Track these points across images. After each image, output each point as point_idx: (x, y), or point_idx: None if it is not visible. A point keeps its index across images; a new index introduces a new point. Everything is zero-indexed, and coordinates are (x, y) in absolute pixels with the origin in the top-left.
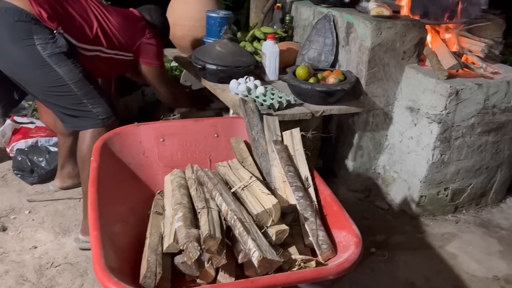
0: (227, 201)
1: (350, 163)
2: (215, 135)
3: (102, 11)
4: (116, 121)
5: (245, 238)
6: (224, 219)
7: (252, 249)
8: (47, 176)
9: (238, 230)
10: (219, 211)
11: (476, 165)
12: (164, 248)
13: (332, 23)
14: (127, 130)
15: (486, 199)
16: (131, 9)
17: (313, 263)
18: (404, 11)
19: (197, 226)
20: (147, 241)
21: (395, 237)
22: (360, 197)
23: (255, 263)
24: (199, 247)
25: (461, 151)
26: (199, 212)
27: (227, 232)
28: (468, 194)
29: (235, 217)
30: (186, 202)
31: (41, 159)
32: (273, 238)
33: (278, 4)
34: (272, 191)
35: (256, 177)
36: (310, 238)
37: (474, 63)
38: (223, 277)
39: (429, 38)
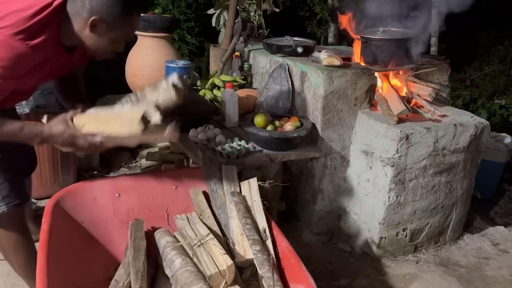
0: None
1: (312, 206)
2: (174, 186)
3: None
4: (21, 208)
5: None
6: None
7: None
8: None
9: None
10: None
11: (432, 205)
12: None
13: (287, 71)
14: (80, 187)
15: (444, 237)
16: None
17: None
18: (356, 59)
19: None
20: None
21: (358, 280)
22: (323, 240)
23: None
24: None
25: (416, 192)
26: None
27: None
28: (426, 233)
29: None
30: None
31: None
32: None
33: (236, 53)
34: (230, 245)
35: (213, 231)
36: None
37: (423, 107)
38: None
39: (379, 84)
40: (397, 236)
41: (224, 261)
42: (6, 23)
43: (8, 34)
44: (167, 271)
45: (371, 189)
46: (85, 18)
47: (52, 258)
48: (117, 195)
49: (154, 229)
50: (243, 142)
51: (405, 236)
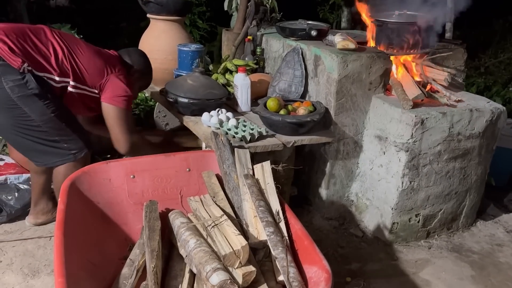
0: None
1: (324, 191)
2: (187, 169)
3: (68, 42)
4: (89, 154)
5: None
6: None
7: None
8: (17, 215)
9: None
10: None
11: (445, 190)
12: None
13: (300, 55)
14: (95, 168)
15: (457, 223)
16: (111, 50)
17: None
18: (371, 43)
19: None
20: None
21: (370, 264)
22: (335, 225)
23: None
24: None
25: (429, 177)
26: None
27: None
28: (439, 219)
29: None
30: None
31: (10, 197)
32: (240, 280)
33: (249, 37)
34: (243, 227)
35: (227, 213)
36: (281, 275)
37: (438, 92)
38: None
39: (394, 68)
40: (409, 221)
41: (239, 241)
42: (117, 68)
43: (125, 74)
44: (182, 251)
45: (384, 174)
46: None
47: (68, 236)
48: (131, 176)
49: (168, 210)
50: (255, 126)
51: (418, 222)
